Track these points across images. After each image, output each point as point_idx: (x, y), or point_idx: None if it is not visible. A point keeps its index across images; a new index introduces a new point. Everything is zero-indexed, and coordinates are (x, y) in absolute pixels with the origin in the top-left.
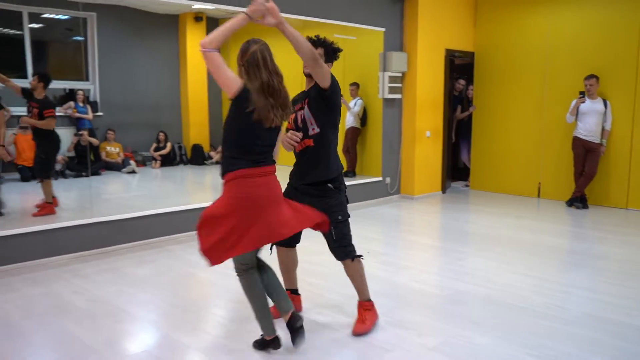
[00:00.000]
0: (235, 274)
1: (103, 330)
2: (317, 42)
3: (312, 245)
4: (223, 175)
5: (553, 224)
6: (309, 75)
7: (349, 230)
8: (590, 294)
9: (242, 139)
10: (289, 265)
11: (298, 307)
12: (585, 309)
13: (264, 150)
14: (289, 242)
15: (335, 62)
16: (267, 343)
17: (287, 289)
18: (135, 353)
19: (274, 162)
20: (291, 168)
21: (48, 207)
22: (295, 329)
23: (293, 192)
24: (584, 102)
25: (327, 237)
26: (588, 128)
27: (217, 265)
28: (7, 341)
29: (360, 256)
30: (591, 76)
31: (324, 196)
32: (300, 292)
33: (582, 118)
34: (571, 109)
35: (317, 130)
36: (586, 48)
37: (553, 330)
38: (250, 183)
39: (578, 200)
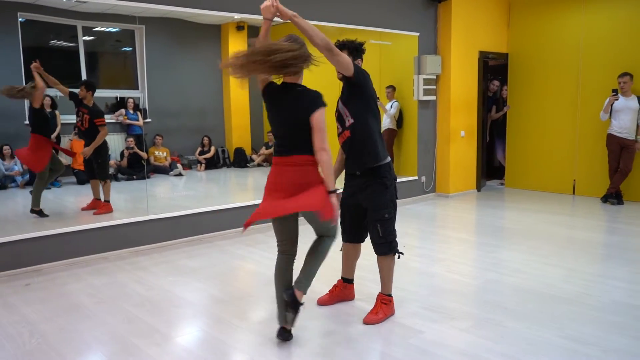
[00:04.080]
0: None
1: (164, 313)
2: (340, 46)
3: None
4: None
5: (587, 220)
6: (342, 79)
7: (394, 227)
8: (619, 283)
9: None
10: (350, 257)
11: (351, 295)
12: (613, 296)
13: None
14: (354, 240)
15: (372, 66)
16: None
17: (342, 277)
18: (193, 332)
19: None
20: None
21: (107, 205)
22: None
23: (349, 187)
24: (617, 99)
25: (372, 232)
26: (622, 125)
27: (263, 258)
28: (81, 323)
29: (401, 253)
30: (625, 74)
31: (372, 193)
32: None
33: (616, 115)
34: (605, 106)
35: (351, 120)
36: (619, 46)
37: (580, 315)
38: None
39: (613, 197)
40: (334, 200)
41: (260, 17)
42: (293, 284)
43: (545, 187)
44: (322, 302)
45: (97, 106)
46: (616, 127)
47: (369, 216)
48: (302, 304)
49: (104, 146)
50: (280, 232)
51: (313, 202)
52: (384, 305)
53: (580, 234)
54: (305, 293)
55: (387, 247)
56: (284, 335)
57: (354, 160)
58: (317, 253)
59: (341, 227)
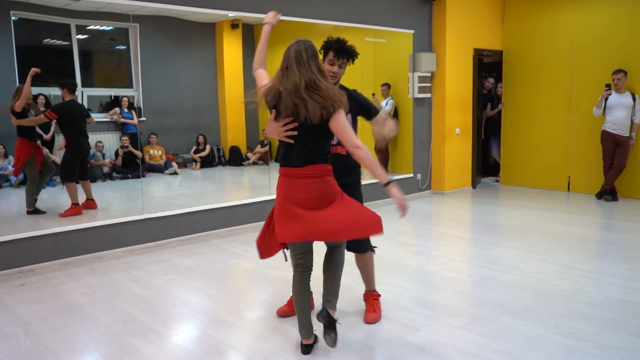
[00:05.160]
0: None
1: (159, 313)
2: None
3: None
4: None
5: (582, 216)
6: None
7: None
8: (616, 280)
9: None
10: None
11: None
12: (609, 293)
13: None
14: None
15: (366, 64)
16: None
17: None
18: (189, 331)
19: (306, 164)
20: None
21: (75, 208)
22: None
23: None
24: (610, 94)
25: None
26: (616, 122)
27: (257, 256)
28: (77, 322)
29: (375, 247)
30: (619, 71)
31: (355, 191)
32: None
33: (610, 112)
34: (598, 102)
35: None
36: (614, 43)
37: (576, 311)
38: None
39: (608, 193)
40: (395, 191)
41: (254, 15)
42: (322, 303)
43: (540, 184)
44: (282, 312)
45: (61, 103)
46: (610, 124)
47: None
48: (337, 320)
49: (74, 148)
50: (300, 247)
51: (368, 226)
52: (376, 301)
53: (576, 230)
54: (335, 309)
55: (367, 242)
56: (305, 349)
57: (344, 172)
58: (334, 267)
59: None
